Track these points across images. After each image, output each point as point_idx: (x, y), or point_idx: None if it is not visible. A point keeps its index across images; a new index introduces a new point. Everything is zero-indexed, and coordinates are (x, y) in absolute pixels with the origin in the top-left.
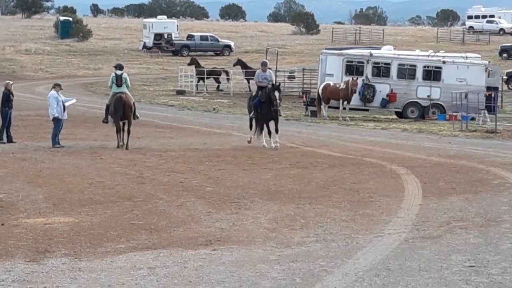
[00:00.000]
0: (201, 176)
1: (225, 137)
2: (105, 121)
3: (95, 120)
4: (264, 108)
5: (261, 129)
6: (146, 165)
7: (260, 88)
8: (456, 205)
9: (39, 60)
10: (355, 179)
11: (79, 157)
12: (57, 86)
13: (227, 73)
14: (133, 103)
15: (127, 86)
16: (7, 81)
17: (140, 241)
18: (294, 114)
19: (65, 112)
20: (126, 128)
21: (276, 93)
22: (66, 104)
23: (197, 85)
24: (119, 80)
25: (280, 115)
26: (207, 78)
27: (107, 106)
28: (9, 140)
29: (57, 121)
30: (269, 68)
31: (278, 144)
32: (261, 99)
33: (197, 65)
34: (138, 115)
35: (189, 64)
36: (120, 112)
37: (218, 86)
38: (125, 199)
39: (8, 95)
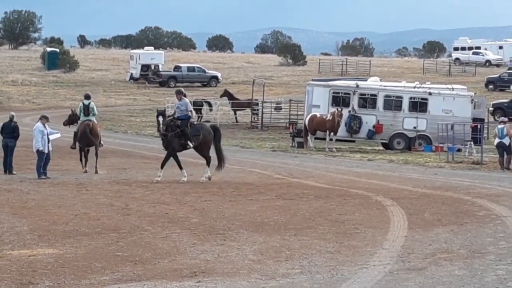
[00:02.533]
0: (187, 207)
1: (211, 168)
2: (73, 147)
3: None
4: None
5: (176, 161)
6: (132, 196)
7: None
8: (441, 237)
9: (26, 91)
10: (341, 210)
11: (65, 189)
12: (43, 118)
13: (209, 104)
14: (99, 131)
15: (94, 115)
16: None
17: (124, 273)
18: (280, 145)
19: (50, 144)
20: (95, 152)
21: (160, 118)
22: (51, 137)
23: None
24: (86, 110)
25: (188, 146)
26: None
27: (75, 133)
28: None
29: (40, 154)
30: (184, 96)
31: (183, 179)
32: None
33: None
34: (103, 143)
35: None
36: (87, 138)
37: (200, 118)
38: (110, 230)
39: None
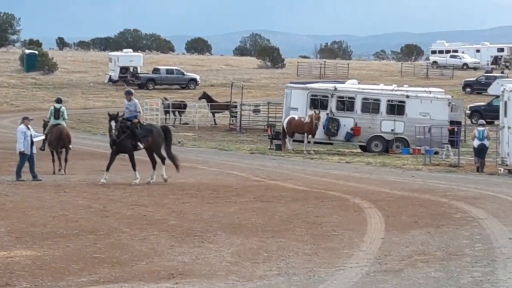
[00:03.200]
0: (165, 209)
1: (189, 170)
2: (42, 148)
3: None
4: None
5: (109, 164)
6: (110, 198)
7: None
8: (418, 239)
9: (4, 93)
10: (319, 212)
11: (43, 190)
12: (25, 120)
13: (184, 106)
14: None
15: (64, 119)
16: None
17: (102, 275)
18: (259, 148)
19: (34, 147)
20: (65, 156)
21: (113, 123)
22: (34, 139)
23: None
24: (56, 113)
25: (138, 148)
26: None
27: (46, 135)
28: None
29: (22, 155)
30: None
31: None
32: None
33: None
34: (71, 146)
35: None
36: (60, 141)
37: (180, 120)
38: (88, 232)
39: None
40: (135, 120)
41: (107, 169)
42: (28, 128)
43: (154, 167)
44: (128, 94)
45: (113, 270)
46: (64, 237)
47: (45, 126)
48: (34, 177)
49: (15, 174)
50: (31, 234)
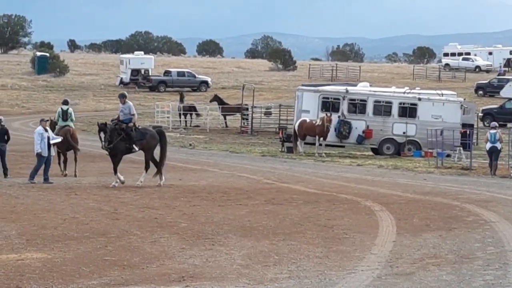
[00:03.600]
0: (175, 212)
1: (200, 173)
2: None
3: (71, 156)
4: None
5: (113, 168)
6: (121, 201)
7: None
8: (429, 242)
9: (16, 95)
10: (330, 215)
11: (54, 193)
12: (43, 122)
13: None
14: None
15: (71, 120)
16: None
17: (112, 278)
18: (270, 150)
19: (51, 149)
20: (74, 157)
21: (102, 135)
22: (52, 141)
23: (185, 120)
24: (64, 115)
25: (133, 150)
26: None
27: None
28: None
29: (40, 157)
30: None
31: (115, 184)
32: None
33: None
34: (80, 148)
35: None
36: (68, 143)
37: (190, 122)
38: (99, 235)
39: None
40: (131, 124)
41: (115, 171)
42: (46, 130)
43: (146, 169)
44: (122, 97)
45: (123, 273)
46: (74, 239)
47: (52, 126)
48: (46, 179)
49: (29, 175)
50: (42, 237)
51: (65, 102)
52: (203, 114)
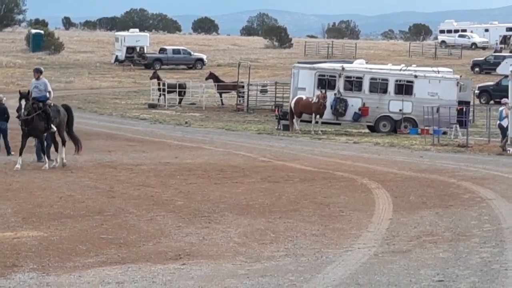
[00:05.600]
0: (172, 190)
1: (196, 150)
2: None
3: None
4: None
5: (21, 148)
6: (117, 179)
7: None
8: (426, 219)
9: (11, 73)
10: (326, 193)
11: (49, 171)
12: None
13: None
14: None
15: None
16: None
17: (109, 256)
18: (266, 128)
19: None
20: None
21: (23, 102)
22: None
23: (158, 99)
24: None
25: (51, 130)
26: (171, 92)
27: None
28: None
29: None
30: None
31: (55, 164)
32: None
33: (159, 79)
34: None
35: (151, 78)
36: None
37: (181, 100)
38: (95, 213)
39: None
40: (48, 102)
41: (20, 153)
42: None
43: (57, 150)
44: (37, 72)
45: (120, 251)
46: (71, 217)
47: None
48: (48, 157)
49: (36, 155)
50: (38, 215)
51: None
52: (197, 92)
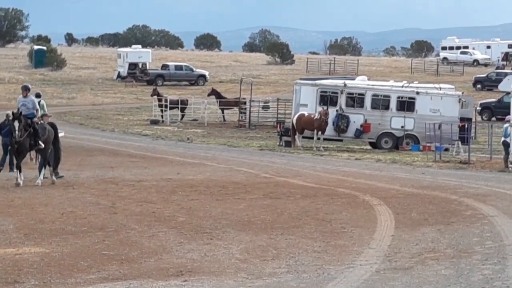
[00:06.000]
0: (173, 206)
1: (198, 167)
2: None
3: (68, 150)
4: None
5: (15, 164)
6: (119, 195)
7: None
8: (428, 236)
9: (13, 89)
10: (328, 209)
11: (51, 187)
12: (45, 116)
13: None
14: None
15: (44, 111)
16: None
17: (110, 272)
18: (268, 144)
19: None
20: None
21: (16, 124)
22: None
23: (162, 115)
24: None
25: (39, 146)
26: (172, 108)
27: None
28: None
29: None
30: (36, 94)
31: (38, 182)
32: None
33: (159, 95)
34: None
35: (151, 95)
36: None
37: (183, 116)
38: (97, 229)
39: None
40: (35, 119)
41: (18, 169)
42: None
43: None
44: (25, 90)
45: (121, 267)
46: (72, 234)
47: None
48: (56, 173)
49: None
50: (40, 231)
51: (38, 95)
52: (199, 108)
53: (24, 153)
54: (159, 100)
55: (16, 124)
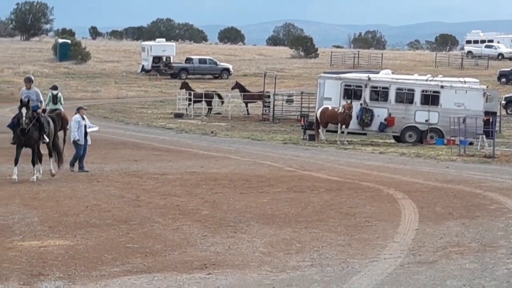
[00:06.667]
0: (197, 199)
1: (222, 160)
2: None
3: (93, 143)
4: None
5: (17, 158)
6: (143, 188)
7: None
8: (452, 230)
9: (37, 82)
10: (352, 203)
11: (76, 180)
12: (81, 110)
13: (219, 96)
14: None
15: (61, 104)
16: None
17: (135, 265)
18: (292, 138)
19: (88, 137)
20: (63, 137)
21: (24, 111)
22: (89, 130)
23: (186, 109)
24: (54, 99)
25: (43, 140)
26: (199, 101)
27: None
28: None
29: (77, 145)
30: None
31: (38, 175)
32: (16, 121)
33: (188, 89)
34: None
35: (180, 88)
36: (59, 125)
37: (210, 110)
38: (121, 222)
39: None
40: (39, 111)
41: (16, 163)
42: (83, 118)
43: (41, 161)
44: (28, 82)
45: (145, 260)
46: (97, 226)
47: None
48: (81, 167)
49: (69, 164)
50: (64, 224)
51: (55, 88)
52: (223, 101)
53: (33, 146)
54: (189, 94)
55: (24, 111)
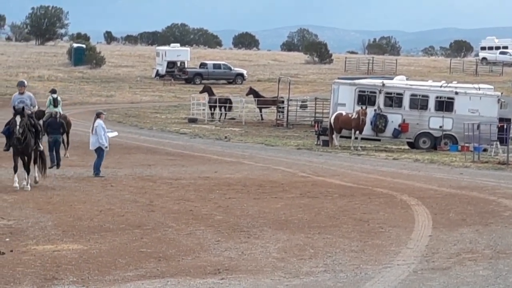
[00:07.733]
0: (211, 204)
1: (236, 165)
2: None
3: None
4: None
5: (16, 166)
6: (156, 193)
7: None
8: (466, 237)
9: (52, 86)
10: (366, 209)
11: (90, 184)
12: (101, 115)
13: (229, 101)
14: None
15: (60, 106)
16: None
17: (148, 269)
18: (305, 143)
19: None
20: (66, 140)
21: (18, 119)
22: (109, 135)
23: (212, 113)
24: (55, 102)
25: (39, 149)
26: (217, 106)
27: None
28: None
29: (101, 150)
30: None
31: (29, 183)
32: (11, 128)
33: (210, 93)
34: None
35: (201, 92)
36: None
37: (225, 115)
38: (135, 227)
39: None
40: (29, 112)
41: (15, 171)
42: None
43: (32, 168)
44: (21, 86)
45: (159, 265)
46: (110, 231)
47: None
48: (97, 173)
49: (93, 170)
50: (78, 228)
51: (54, 91)
52: (237, 107)
53: (30, 154)
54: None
55: (18, 119)
